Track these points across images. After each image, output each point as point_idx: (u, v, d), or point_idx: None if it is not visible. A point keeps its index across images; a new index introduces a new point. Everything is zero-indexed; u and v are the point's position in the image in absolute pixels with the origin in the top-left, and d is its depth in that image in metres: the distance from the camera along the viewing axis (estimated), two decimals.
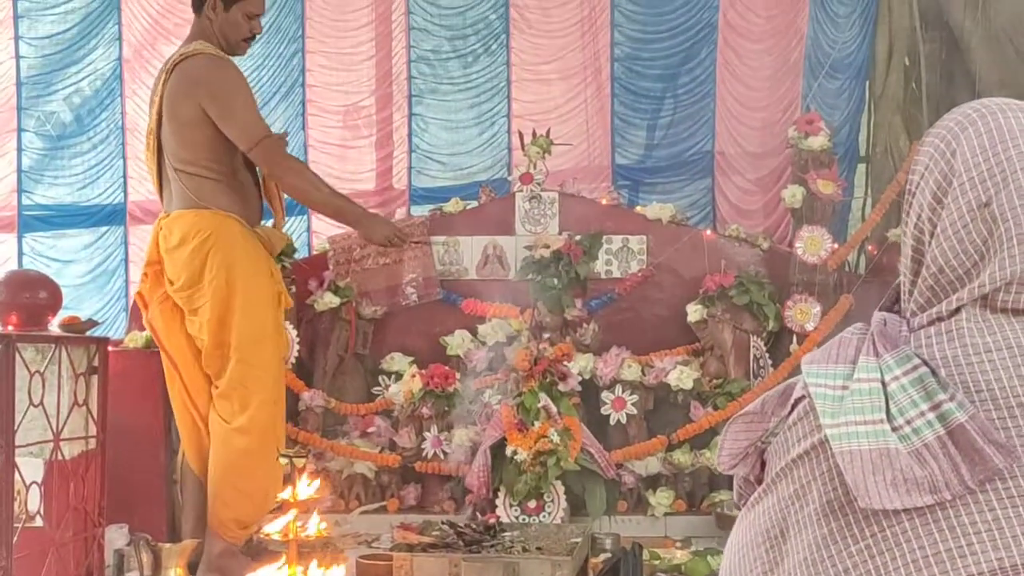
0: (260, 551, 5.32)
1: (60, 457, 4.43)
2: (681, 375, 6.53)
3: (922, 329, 1.55)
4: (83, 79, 8.17)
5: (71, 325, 4.98)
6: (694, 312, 6.80)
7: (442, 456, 6.51)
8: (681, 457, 6.40)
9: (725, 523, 5.89)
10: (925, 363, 1.47)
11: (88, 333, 5.00)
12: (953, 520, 1.41)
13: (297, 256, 7.18)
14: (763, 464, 1.67)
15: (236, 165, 5.35)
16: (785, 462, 1.57)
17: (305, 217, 8.08)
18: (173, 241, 5.27)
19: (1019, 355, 1.46)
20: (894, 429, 1.44)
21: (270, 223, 5.66)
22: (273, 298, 5.41)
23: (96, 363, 4.80)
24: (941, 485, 1.40)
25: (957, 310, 1.52)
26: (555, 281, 6.93)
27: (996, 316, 1.50)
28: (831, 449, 1.47)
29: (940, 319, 1.53)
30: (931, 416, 1.42)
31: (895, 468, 1.41)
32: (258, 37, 5.69)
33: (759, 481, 1.66)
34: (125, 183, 8.09)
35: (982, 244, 1.52)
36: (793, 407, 1.60)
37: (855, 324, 1.61)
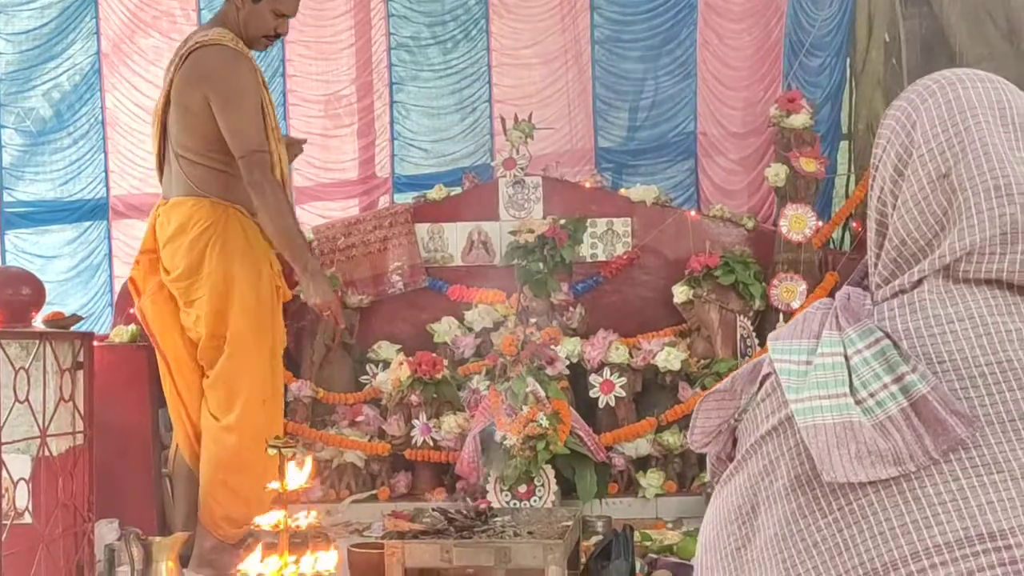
0: (251, 545, 5.30)
1: (47, 453, 4.42)
2: (668, 356, 6.54)
3: (885, 302, 1.56)
4: (62, 74, 8.13)
5: (55, 321, 4.95)
6: (680, 293, 6.80)
7: (431, 443, 6.51)
8: (670, 438, 6.41)
9: None
10: (887, 335, 1.48)
11: (73, 328, 4.98)
12: (918, 491, 1.42)
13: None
14: (735, 442, 1.68)
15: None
16: (754, 438, 1.59)
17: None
18: (171, 229, 5.21)
19: (980, 325, 1.48)
20: (857, 402, 1.45)
21: None
22: (272, 291, 5.36)
23: (81, 358, 4.78)
24: (905, 457, 1.41)
25: (919, 281, 1.53)
26: (540, 265, 6.92)
27: (958, 286, 1.51)
28: (796, 424, 1.48)
29: (903, 291, 1.55)
30: (894, 388, 1.43)
31: (859, 441, 1.43)
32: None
33: (731, 458, 1.67)
34: (107, 178, 8.05)
35: (942, 215, 1.53)
36: (761, 384, 1.61)
37: (820, 299, 1.62)
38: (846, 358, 1.49)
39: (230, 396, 5.21)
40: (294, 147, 5.83)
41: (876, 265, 1.62)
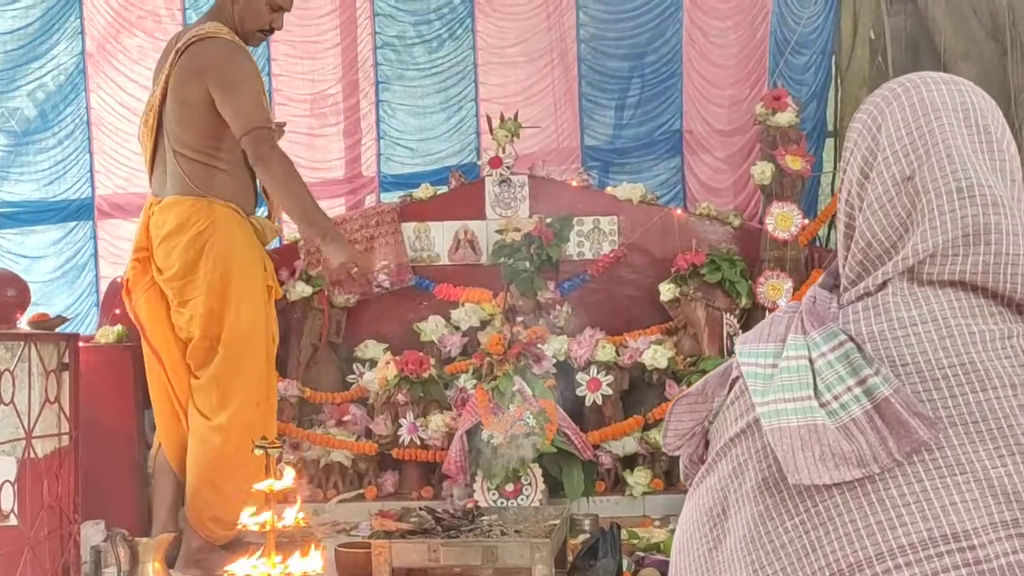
0: (237, 544, 5.30)
1: (33, 455, 4.40)
2: (655, 354, 6.54)
3: (851, 305, 1.58)
4: (46, 74, 8.11)
5: (40, 322, 4.94)
6: (667, 291, 6.80)
7: (418, 443, 6.50)
8: (657, 436, 6.40)
9: None
10: (851, 339, 1.49)
11: (58, 330, 4.96)
12: (882, 493, 1.43)
13: (269, 246, 7.15)
14: (707, 444, 1.70)
15: (237, 153, 5.21)
16: (724, 441, 1.60)
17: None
18: (167, 228, 5.17)
19: (944, 328, 1.49)
20: (822, 405, 1.46)
21: (260, 212, 5.57)
22: (265, 292, 5.35)
23: (67, 359, 4.77)
24: (869, 459, 1.42)
25: (884, 284, 1.55)
26: (527, 264, 6.92)
27: (923, 289, 1.52)
28: (763, 427, 1.49)
29: (868, 294, 1.56)
30: (858, 391, 1.45)
31: (823, 443, 1.44)
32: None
33: (703, 461, 1.68)
34: (92, 178, 8.03)
35: (906, 217, 1.55)
36: (731, 387, 1.63)
37: (788, 303, 1.64)
38: (810, 361, 1.50)
39: (224, 397, 5.18)
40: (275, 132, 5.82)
41: (844, 267, 1.63)
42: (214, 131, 5.17)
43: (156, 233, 5.21)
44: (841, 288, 1.63)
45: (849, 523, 1.44)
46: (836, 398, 1.46)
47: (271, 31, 5.50)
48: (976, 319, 1.49)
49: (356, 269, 5.29)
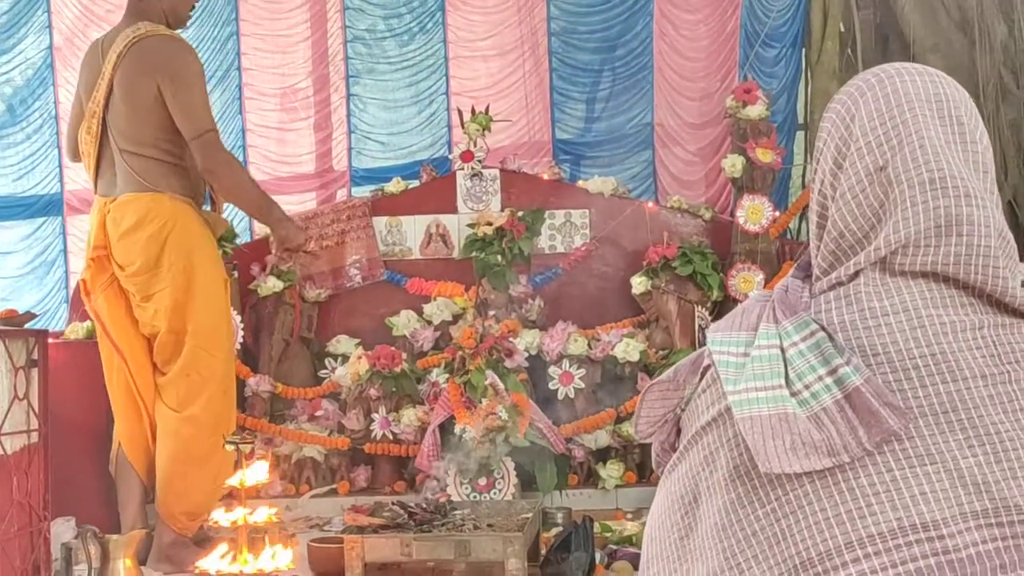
0: (207, 539, 5.29)
1: (2, 452, 4.38)
2: (627, 347, 6.55)
3: (823, 294, 1.58)
4: (14, 69, 8.05)
5: (9, 319, 4.91)
6: (638, 284, 6.81)
7: (391, 437, 6.49)
8: (630, 429, 6.41)
9: None
10: (823, 328, 1.49)
11: (27, 326, 4.93)
12: (852, 482, 1.44)
13: (239, 241, 7.12)
14: (679, 432, 1.70)
15: (186, 149, 5.30)
16: (695, 429, 1.60)
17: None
18: (126, 225, 5.18)
19: (915, 318, 1.49)
20: (793, 394, 1.46)
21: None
22: (225, 284, 5.41)
23: (36, 356, 4.74)
24: (839, 448, 1.43)
25: (856, 274, 1.55)
26: (499, 258, 6.92)
27: (894, 279, 1.52)
28: (734, 416, 1.49)
29: (840, 284, 1.57)
30: (828, 380, 1.45)
31: (794, 432, 1.44)
32: (191, 20, 5.68)
33: (675, 449, 1.69)
34: (61, 173, 7.98)
35: (879, 207, 1.55)
36: (702, 375, 1.63)
37: (760, 291, 1.64)
38: (782, 350, 1.50)
39: (195, 388, 5.20)
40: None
41: (816, 257, 1.64)
42: (165, 126, 5.22)
43: (114, 230, 5.22)
44: (813, 278, 1.63)
45: (819, 512, 1.44)
46: (807, 387, 1.46)
47: (193, 8, 5.59)
48: (947, 310, 1.50)
49: (300, 248, 5.73)
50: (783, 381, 1.47)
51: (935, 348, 1.47)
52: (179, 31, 5.51)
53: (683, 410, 1.68)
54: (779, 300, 1.57)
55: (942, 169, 1.51)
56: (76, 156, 5.62)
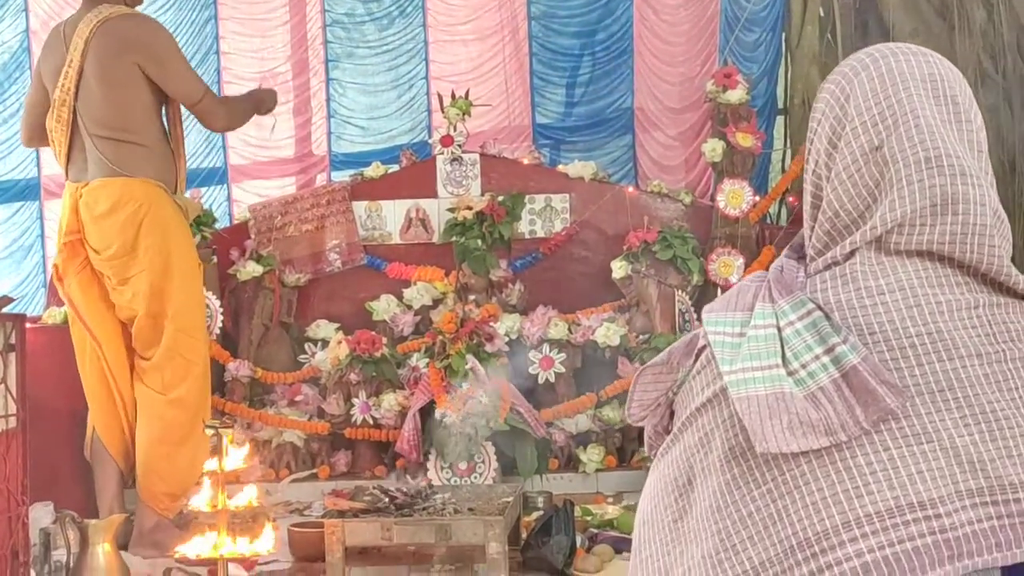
0: (188, 522, 5.27)
1: None
2: (608, 332, 6.55)
3: (818, 274, 1.58)
4: None
5: None
6: (619, 268, 6.81)
7: (371, 422, 6.48)
8: (610, 413, 6.42)
9: None
10: (819, 307, 1.49)
11: (4, 310, 4.90)
12: (849, 461, 1.44)
13: (218, 226, 7.10)
14: (672, 415, 1.69)
15: (160, 131, 5.33)
16: (690, 411, 1.60)
17: (225, 186, 7.98)
18: (101, 209, 5.18)
19: (911, 297, 1.49)
20: (790, 373, 1.47)
21: None
22: (199, 267, 5.42)
23: (13, 340, 4.71)
24: (836, 427, 1.43)
25: (851, 253, 1.55)
26: (479, 242, 6.92)
27: (890, 258, 1.52)
28: (731, 395, 1.49)
29: (836, 263, 1.56)
30: (825, 359, 1.45)
31: (791, 412, 1.44)
32: (168, 5, 5.69)
33: (668, 432, 1.68)
34: (38, 157, 7.93)
35: (874, 187, 1.55)
36: (697, 356, 1.62)
37: (755, 272, 1.63)
38: (778, 330, 1.50)
39: (179, 371, 5.23)
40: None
41: (811, 237, 1.63)
42: (141, 108, 5.23)
43: (88, 215, 5.21)
44: (808, 258, 1.63)
45: (816, 492, 1.44)
46: (804, 366, 1.46)
47: None
48: (943, 288, 1.50)
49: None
50: (780, 360, 1.47)
51: (931, 327, 1.47)
52: (138, 8, 5.52)
53: (676, 393, 1.68)
54: (775, 280, 1.56)
55: (937, 148, 1.51)
56: (33, 142, 5.62)
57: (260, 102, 5.79)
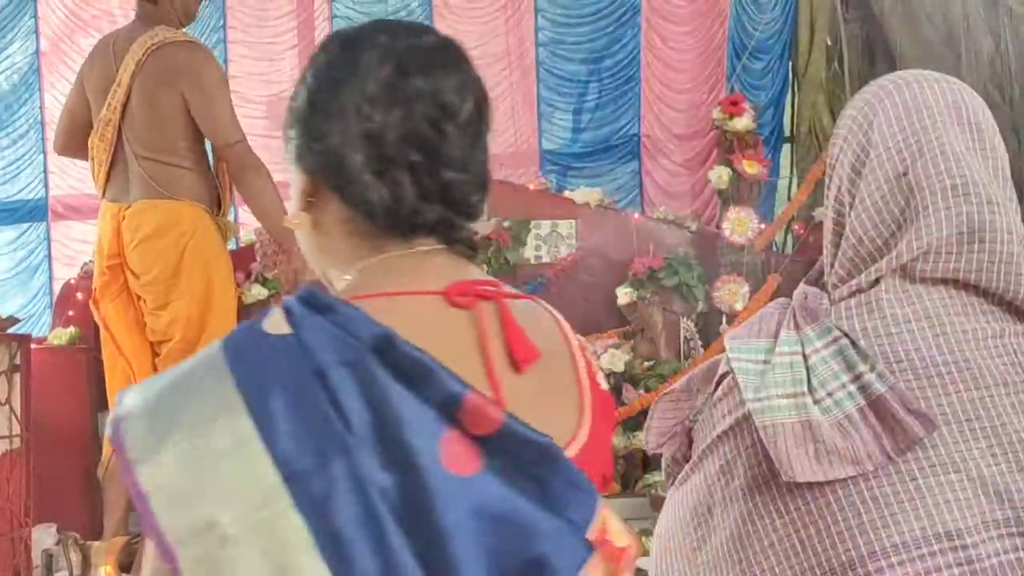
0: None
1: None
2: (612, 358, 6.53)
3: (843, 301, 1.55)
4: (0, 74, 8.02)
5: None
6: (624, 295, 6.80)
7: None
8: (614, 440, 6.41)
9: (659, 505, 5.85)
10: (845, 335, 1.47)
11: (10, 330, 4.91)
12: (876, 491, 1.42)
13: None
14: (690, 442, 1.67)
15: (203, 153, 5.26)
16: (711, 438, 1.57)
17: (231, 209, 7.98)
18: (144, 231, 5.12)
19: (937, 325, 1.48)
20: (816, 401, 1.45)
21: None
22: (235, 294, 5.42)
23: (18, 361, 4.72)
24: (863, 456, 1.41)
25: (877, 281, 1.53)
26: (485, 267, 6.90)
27: (915, 286, 1.51)
28: (754, 424, 1.47)
29: (860, 290, 1.54)
30: (852, 388, 1.43)
31: (817, 440, 1.42)
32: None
33: (687, 459, 1.66)
34: (46, 178, 7.94)
35: (900, 214, 1.53)
36: (718, 384, 1.60)
37: (777, 299, 1.61)
38: (804, 357, 1.48)
39: None
40: None
41: (832, 264, 1.61)
42: (186, 133, 5.16)
43: (130, 237, 5.15)
44: (830, 285, 1.61)
45: (841, 521, 1.43)
46: (830, 395, 1.44)
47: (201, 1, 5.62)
48: (968, 317, 1.49)
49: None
50: (806, 388, 1.45)
51: (958, 355, 1.45)
52: (189, 27, 5.51)
53: (694, 420, 1.66)
54: (799, 307, 1.55)
55: (964, 176, 1.50)
56: (68, 151, 5.55)
57: (281, 238, 5.46)
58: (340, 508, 1.14)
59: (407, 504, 1.15)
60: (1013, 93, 7.34)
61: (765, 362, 1.51)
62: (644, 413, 6.36)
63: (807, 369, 1.47)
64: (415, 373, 1.19)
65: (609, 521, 1.25)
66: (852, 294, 1.55)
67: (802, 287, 1.62)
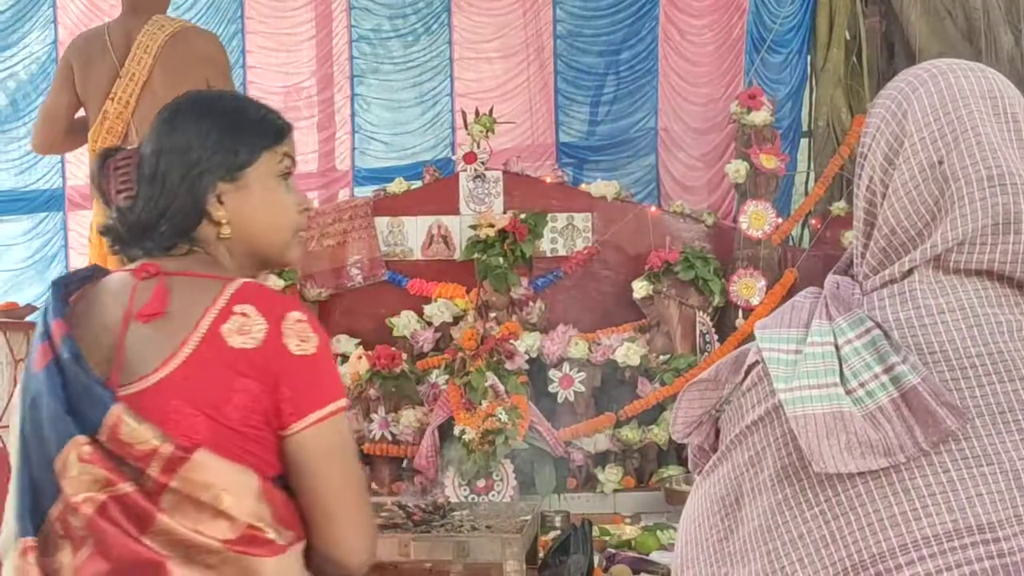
0: None
1: (2, 445, 4.37)
2: (628, 352, 6.53)
3: (875, 291, 1.54)
4: (18, 63, 8.04)
5: (10, 311, 4.90)
6: (640, 288, 6.80)
7: (390, 437, 6.47)
8: (629, 433, 6.40)
9: (674, 498, 5.91)
10: (878, 325, 1.46)
11: (27, 319, 4.92)
12: (907, 483, 1.41)
13: None
14: (717, 432, 1.66)
15: None
16: (739, 429, 1.56)
17: None
18: None
19: (971, 316, 1.47)
20: (848, 392, 1.44)
21: None
22: None
23: None
24: (895, 448, 1.40)
25: (910, 271, 1.52)
26: (500, 260, 6.90)
27: (949, 277, 1.50)
28: (785, 414, 1.46)
29: (893, 281, 1.53)
30: (884, 379, 1.42)
31: (849, 431, 1.41)
32: (196, 18, 5.67)
33: (714, 449, 1.65)
34: (63, 168, 7.97)
35: (934, 204, 1.52)
36: (747, 373, 1.59)
37: (807, 288, 1.60)
38: (836, 347, 1.47)
39: None
40: None
41: (864, 255, 1.60)
42: None
43: None
44: (861, 276, 1.60)
45: (872, 513, 1.42)
46: (862, 385, 1.43)
47: None
48: (1002, 308, 1.48)
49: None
50: (838, 379, 1.44)
51: (991, 347, 1.44)
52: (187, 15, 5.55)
53: (719, 410, 1.65)
54: (831, 296, 1.54)
55: (1000, 166, 1.49)
56: (53, 148, 5.56)
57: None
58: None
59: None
60: None
61: (797, 352, 1.50)
62: (659, 407, 6.38)
63: (839, 359, 1.46)
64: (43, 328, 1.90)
65: (121, 424, 1.74)
66: (885, 284, 1.54)
67: (833, 276, 1.61)
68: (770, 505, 1.49)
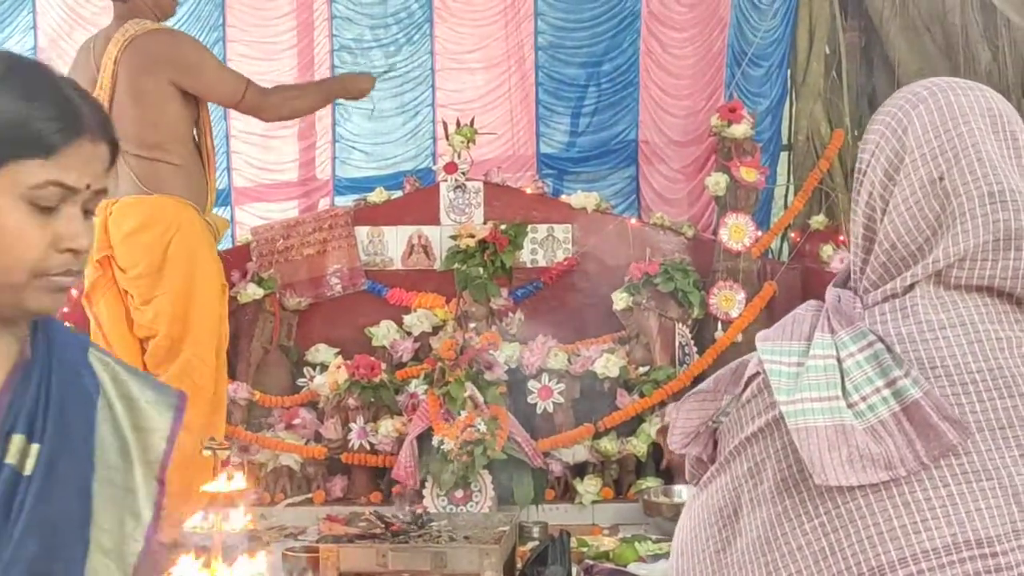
0: (181, 545, 5.25)
1: None
2: (607, 363, 6.53)
3: (876, 306, 1.56)
4: None
5: None
6: (620, 300, 6.80)
7: (368, 447, 6.46)
8: (608, 445, 6.40)
9: (652, 510, 5.92)
10: (880, 339, 1.48)
11: None
12: (908, 496, 1.43)
13: (220, 247, 7.09)
14: (715, 443, 1.67)
15: (192, 148, 5.32)
16: (739, 440, 1.57)
17: (228, 208, 7.98)
18: (129, 226, 5.18)
19: (972, 332, 1.48)
20: (849, 405, 1.45)
21: None
22: (222, 291, 5.42)
23: None
24: (896, 461, 1.41)
25: (911, 287, 1.53)
26: (480, 270, 6.90)
27: (950, 293, 1.51)
28: (786, 426, 1.47)
29: (894, 296, 1.55)
30: (886, 392, 1.44)
31: (850, 445, 1.42)
32: (177, 26, 5.68)
33: (711, 460, 1.66)
34: None
35: (935, 219, 1.53)
36: (746, 385, 1.60)
37: (808, 301, 1.61)
38: (839, 360, 1.48)
39: (189, 393, 5.19)
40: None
41: (864, 269, 1.61)
42: (175, 124, 5.21)
43: (116, 232, 5.21)
44: (861, 290, 1.61)
45: (872, 526, 1.43)
46: (864, 399, 1.45)
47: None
48: (1003, 324, 1.49)
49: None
50: (840, 392, 1.46)
51: (992, 363, 1.46)
52: (168, 22, 5.53)
53: (717, 421, 1.66)
54: (833, 310, 1.55)
55: (1000, 183, 1.50)
56: None
57: (345, 89, 6.09)
58: None
59: None
60: (1011, 103, 7.35)
61: (799, 364, 1.51)
62: (638, 418, 6.39)
63: (841, 372, 1.48)
64: None
65: None
66: (886, 299, 1.56)
67: (834, 289, 1.62)
68: (769, 516, 1.50)
